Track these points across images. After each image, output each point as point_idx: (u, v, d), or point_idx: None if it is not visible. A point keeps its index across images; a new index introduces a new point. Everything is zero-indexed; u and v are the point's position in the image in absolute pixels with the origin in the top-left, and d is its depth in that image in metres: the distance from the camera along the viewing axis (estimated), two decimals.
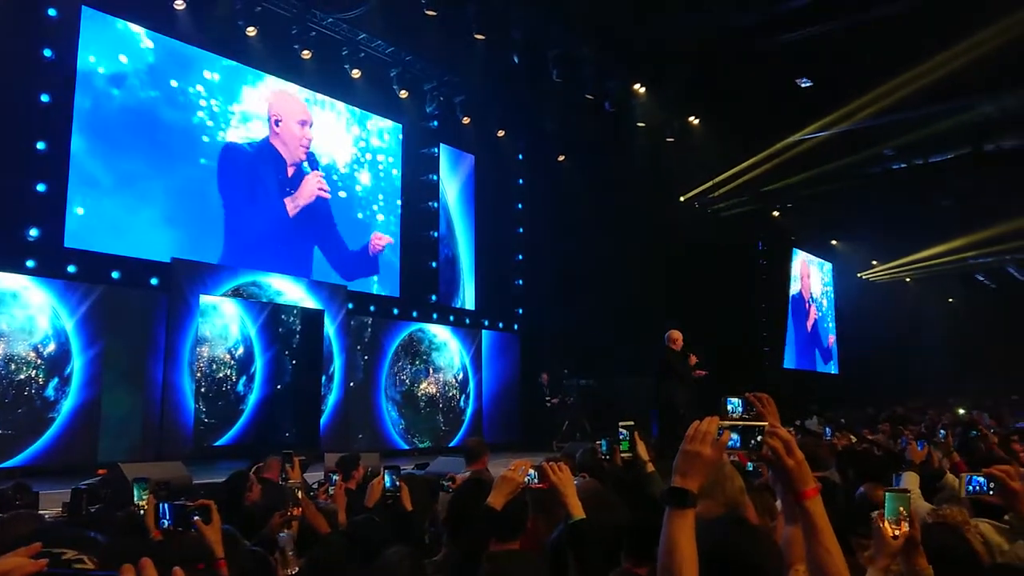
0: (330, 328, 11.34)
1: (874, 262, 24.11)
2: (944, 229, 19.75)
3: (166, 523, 2.73)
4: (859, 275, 24.59)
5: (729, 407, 2.03)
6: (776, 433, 1.68)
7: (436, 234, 13.72)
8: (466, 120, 13.46)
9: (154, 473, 5.34)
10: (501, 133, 14.30)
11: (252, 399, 11.62)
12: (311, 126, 11.78)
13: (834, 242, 23.22)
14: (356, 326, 12.02)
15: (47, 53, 8.83)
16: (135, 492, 3.32)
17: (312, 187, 11.66)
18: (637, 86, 13.13)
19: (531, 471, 2.62)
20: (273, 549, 3.17)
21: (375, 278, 12.58)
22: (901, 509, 2.03)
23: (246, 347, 11.66)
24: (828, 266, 24.63)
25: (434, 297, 13.57)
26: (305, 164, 11.62)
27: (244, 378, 11.60)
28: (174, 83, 10.11)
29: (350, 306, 11.77)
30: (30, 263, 8.51)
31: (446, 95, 13.01)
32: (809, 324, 22.76)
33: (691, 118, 14.25)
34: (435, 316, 13.53)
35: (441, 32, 10.69)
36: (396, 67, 12.16)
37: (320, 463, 6.91)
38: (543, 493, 2.59)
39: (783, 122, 14.20)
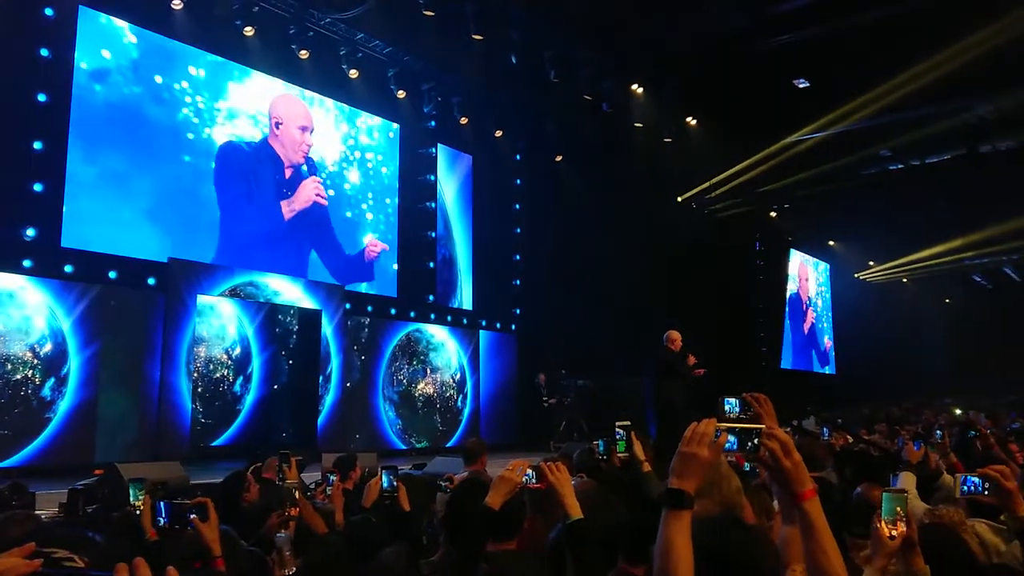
0: (327, 328, 11.33)
1: (871, 262, 24.15)
2: (941, 230, 19.81)
3: (163, 521, 2.73)
4: (856, 275, 24.63)
5: (727, 407, 2.03)
6: (774, 435, 1.67)
7: (434, 234, 13.70)
8: (464, 120, 13.44)
9: (151, 473, 5.31)
10: (499, 133, 14.27)
11: (249, 399, 11.59)
12: (312, 132, 11.75)
13: (831, 242, 23.26)
14: (353, 326, 12.01)
15: (44, 52, 8.81)
16: (131, 492, 3.32)
17: (309, 192, 11.63)
18: (635, 86, 13.15)
19: (529, 471, 2.61)
20: (270, 549, 3.15)
21: (369, 284, 12.54)
22: (898, 509, 2.03)
23: (243, 347, 11.63)
24: (825, 266, 24.66)
25: (432, 297, 13.56)
26: (304, 167, 11.60)
27: (241, 378, 11.57)
28: (159, 79, 9.96)
29: (347, 306, 11.75)
30: (27, 263, 8.48)
31: (444, 95, 13.00)
32: (806, 327, 22.79)
33: (688, 119, 14.27)
34: (433, 316, 13.52)
35: (439, 32, 10.69)
36: (394, 67, 12.16)
37: (317, 463, 6.89)
38: (541, 493, 2.58)
39: (780, 123, 14.24)
